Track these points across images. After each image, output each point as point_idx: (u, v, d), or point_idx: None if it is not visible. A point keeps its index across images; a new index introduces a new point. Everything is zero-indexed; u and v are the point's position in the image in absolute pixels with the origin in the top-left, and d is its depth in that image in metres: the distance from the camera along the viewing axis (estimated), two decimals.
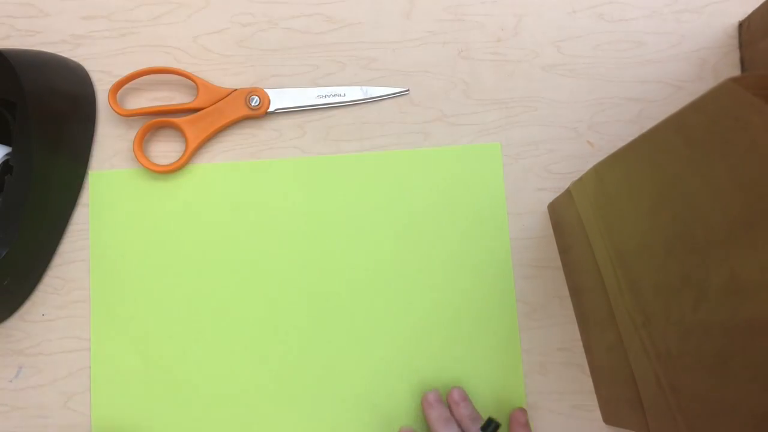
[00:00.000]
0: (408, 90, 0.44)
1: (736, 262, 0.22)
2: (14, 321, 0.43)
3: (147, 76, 0.44)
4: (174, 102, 0.45)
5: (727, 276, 0.23)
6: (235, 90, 0.44)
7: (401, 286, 0.43)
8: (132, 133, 0.44)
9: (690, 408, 0.27)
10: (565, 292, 0.42)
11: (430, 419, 0.39)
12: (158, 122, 0.43)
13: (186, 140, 0.43)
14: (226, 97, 0.44)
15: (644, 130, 0.27)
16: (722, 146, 0.22)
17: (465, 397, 0.40)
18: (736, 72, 0.44)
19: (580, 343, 0.42)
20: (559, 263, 0.43)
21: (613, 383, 0.37)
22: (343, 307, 0.42)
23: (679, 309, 0.27)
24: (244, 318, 0.42)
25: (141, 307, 0.43)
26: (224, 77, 0.45)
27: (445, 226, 0.43)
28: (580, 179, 0.37)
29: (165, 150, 0.44)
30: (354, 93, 0.44)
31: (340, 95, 0.44)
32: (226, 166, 0.44)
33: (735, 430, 0.24)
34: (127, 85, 0.44)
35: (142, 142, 0.43)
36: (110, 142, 0.44)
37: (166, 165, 0.43)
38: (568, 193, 0.39)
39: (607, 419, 0.40)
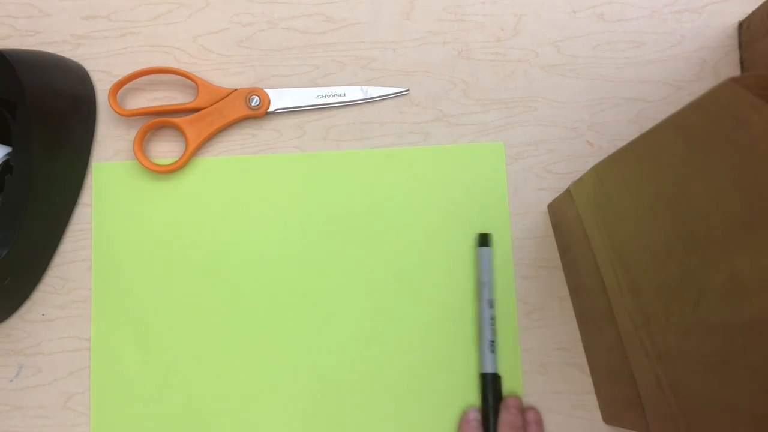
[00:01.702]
0: (408, 90, 0.44)
1: (736, 262, 0.22)
2: (14, 321, 0.43)
3: (147, 76, 0.44)
4: (174, 102, 0.45)
5: (727, 276, 0.23)
6: (235, 90, 0.44)
7: (400, 285, 0.43)
8: (132, 133, 0.44)
9: (690, 408, 0.27)
10: (565, 292, 0.42)
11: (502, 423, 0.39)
12: (158, 122, 0.43)
13: (186, 140, 0.43)
14: (226, 97, 0.44)
15: (644, 130, 0.27)
16: (722, 146, 0.22)
17: (539, 422, 0.40)
18: (736, 72, 0.44)
19: (580, 343, 0.42)
20: (559, 263, 0.43)
21: (613, 383, 0.37)
22: (342, 304, 0.42)
23: (679, 309, 0.27)
24: (245, 318, 0.42)
25: (142, 306, 0.43)
26: (224, 77, 0.45)
27: (447, 225, 0.43)
28: (580, 179, 0.37)
29: (165, 150, 0.44)
30: (354, 93, 0.44)
31: (340, 95, 0.44)
32: (226, 160, 0.44)
33: (735, 430, 0.24)
34: (127, 85, 0.44)
35: (143, 141, 0.43)
36: (110, 141, 0.44)
37: (166, 165, 0.43)
38: (568, 193, 0.39)
39: (607, 419, 0.40)
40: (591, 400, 0.41)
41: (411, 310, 0.42)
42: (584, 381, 0.42)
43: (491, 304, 0.41)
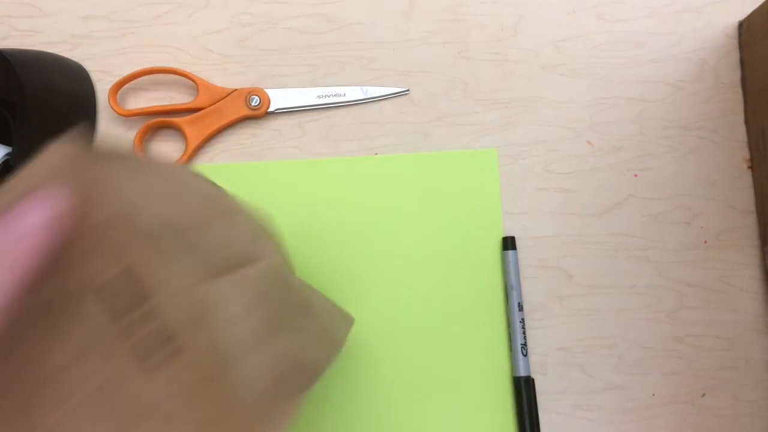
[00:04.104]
0: (408, 90, 0.44)
1: None
2: None
3: (147, 76, 0.44)
4: (174, 102, 0.45)
5: None
6: (235, 90, 0.44)
7: (397, 292, 0.42)
8: (132, 133, 0.44)
9: None
10: (566, 292, 0.42)
11: None
12: (158, 122, 0.43)
13: (186, 140, 0.43)
14: (226, 97, 0.44)
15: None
16: None
17: None
18: (736, 72, 0.44)
19: (581, 343, 0.42)
20: (558, 263, 0.43)
21: None
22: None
23: None
24: None
25: None
26: (224, 77, 0.45)
27: (441, 231, 0.43)
28: None
29: (165, 150, 0.44)
30: (354, 93, 0.44)
31: (340, 95, 0.44)
32: (225, 167, 0.44)
33: None
34: (127, 85, 0.44)
35: (142, 142, 0.43)
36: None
37: None
38: None
39: None
40: (591, 400, 0.41)
41: (406, 317, 0.42)
42: (584, 381, 0.42)
43: (521, 307, 0.41)
